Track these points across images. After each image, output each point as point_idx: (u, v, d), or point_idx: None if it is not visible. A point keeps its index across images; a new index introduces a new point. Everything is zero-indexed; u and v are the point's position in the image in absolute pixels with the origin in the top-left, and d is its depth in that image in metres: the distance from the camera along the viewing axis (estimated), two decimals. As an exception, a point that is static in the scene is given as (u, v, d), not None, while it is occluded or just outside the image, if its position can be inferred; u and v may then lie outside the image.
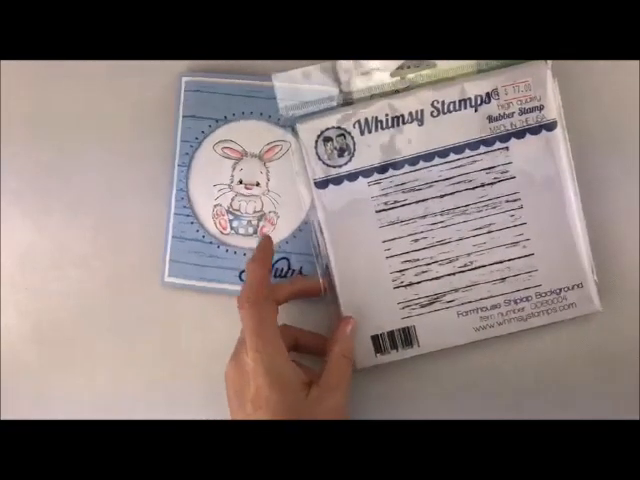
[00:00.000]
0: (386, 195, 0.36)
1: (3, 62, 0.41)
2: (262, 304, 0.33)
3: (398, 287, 0.37)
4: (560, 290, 0.37)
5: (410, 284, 0.37)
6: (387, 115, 0.36)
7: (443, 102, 0.36)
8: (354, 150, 0.36)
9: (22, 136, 0.41)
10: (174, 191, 0.38)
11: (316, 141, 0.36)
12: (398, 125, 0.36)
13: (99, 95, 0.40)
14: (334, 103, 0.37)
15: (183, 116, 0.38)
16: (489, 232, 0.37)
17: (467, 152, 0.36)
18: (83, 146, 0.40)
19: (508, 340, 0.37)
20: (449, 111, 0.36)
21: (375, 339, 0.37)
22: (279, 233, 0.38)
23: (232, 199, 0.38)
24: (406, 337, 0.37)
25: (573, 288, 0.37)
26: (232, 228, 0.38)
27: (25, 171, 0.41)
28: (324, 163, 0.36)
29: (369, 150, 0.36)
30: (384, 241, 0.37)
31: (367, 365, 0.37)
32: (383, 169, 0.36)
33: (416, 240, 0.37)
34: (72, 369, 0.40)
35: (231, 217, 0.38)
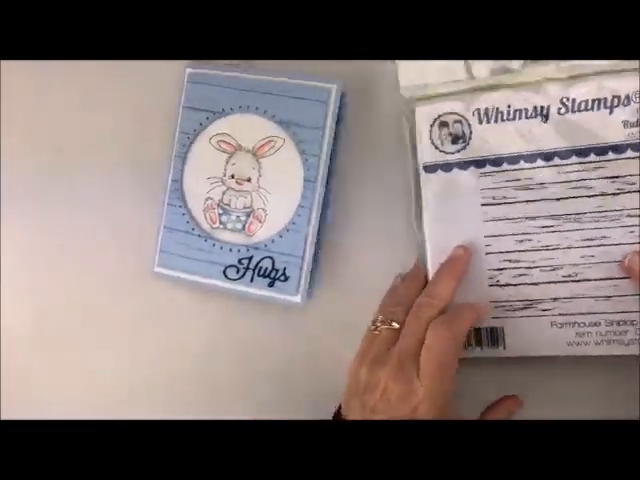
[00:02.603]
0: (496, 189, 0.35)
1: (3, 62, 0.41)
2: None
3: (493, 285, 0.35)
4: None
5: (507, 285, 0.35)
6: (509, 107, 0.34)
7: (574, 100, 0.34)
8: (469, 139, 0.35)
9: (22, 136, 0.41)
10: (169, 182, 0.38)
11: (431, 125, 0.35)
12: (520, 118, 0.34)
13: (102, 90, 0.40)
14: (456, 88, 0.35)
15: (183, 107, 0.38)
16: (601, 245, 0.34)
17: (592, 157, 0.34)
18: (83, 145, 0.40)
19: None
20: (579, 110, 0.34)
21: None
22: (266, 231, 0.37)
23: (223, 193, 0.38)
24: (492, 337, 0.35)
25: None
26: (221, 222, 0.38)
27: (25, 171, 0.41)
28: (436, 148, 0.35)
29: (485, 140, 0.35)
30: (486, 236, 0.35)
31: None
32: (497, 162, 0.35)
33: (520, 241, 0.35)
34: (72, 369, 0.41)
35: (221, 211, 0.38)
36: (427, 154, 0.36)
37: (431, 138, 0.35)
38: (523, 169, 0.34)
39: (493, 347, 0.35)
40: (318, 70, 0.37)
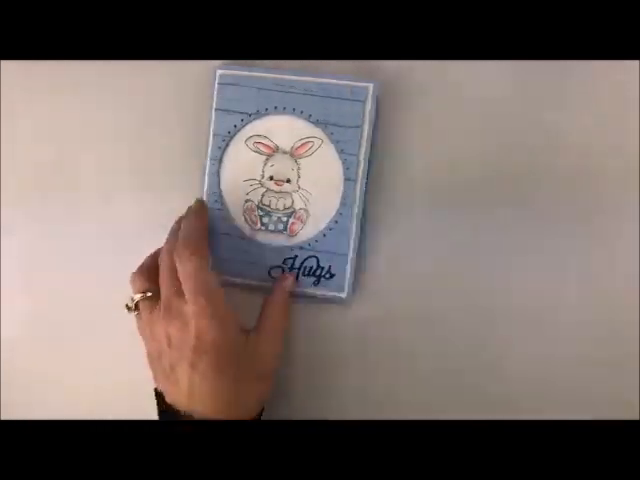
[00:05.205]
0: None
1: (3, 62, 0.39)
2: (203, 253, 0.33)
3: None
4: None
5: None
6: None
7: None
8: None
9: (23, 136, 0.40)
10: (205, 186, 0.38)
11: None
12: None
13: (103, 91, 0.39)
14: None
15: (216, 109, 0.38)
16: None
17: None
18: (83, 145, 0.40)
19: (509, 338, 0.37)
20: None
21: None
22: (309, 231, 0.38)
23: (262, 195, 0.38)
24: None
25: None
26: (262, 224, 0.38)
27: (25, 171, 0.40)
28: None
29: None
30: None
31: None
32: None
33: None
34: (72, 369, 0.40)
35: (261, 213, 0.38)
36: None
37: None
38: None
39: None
40: (349, 70, 0.37)
